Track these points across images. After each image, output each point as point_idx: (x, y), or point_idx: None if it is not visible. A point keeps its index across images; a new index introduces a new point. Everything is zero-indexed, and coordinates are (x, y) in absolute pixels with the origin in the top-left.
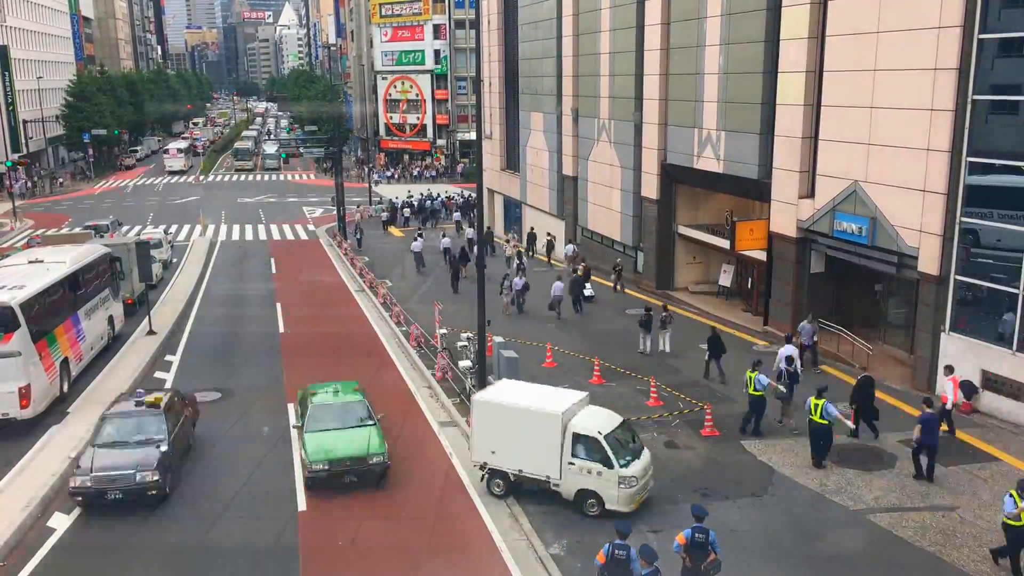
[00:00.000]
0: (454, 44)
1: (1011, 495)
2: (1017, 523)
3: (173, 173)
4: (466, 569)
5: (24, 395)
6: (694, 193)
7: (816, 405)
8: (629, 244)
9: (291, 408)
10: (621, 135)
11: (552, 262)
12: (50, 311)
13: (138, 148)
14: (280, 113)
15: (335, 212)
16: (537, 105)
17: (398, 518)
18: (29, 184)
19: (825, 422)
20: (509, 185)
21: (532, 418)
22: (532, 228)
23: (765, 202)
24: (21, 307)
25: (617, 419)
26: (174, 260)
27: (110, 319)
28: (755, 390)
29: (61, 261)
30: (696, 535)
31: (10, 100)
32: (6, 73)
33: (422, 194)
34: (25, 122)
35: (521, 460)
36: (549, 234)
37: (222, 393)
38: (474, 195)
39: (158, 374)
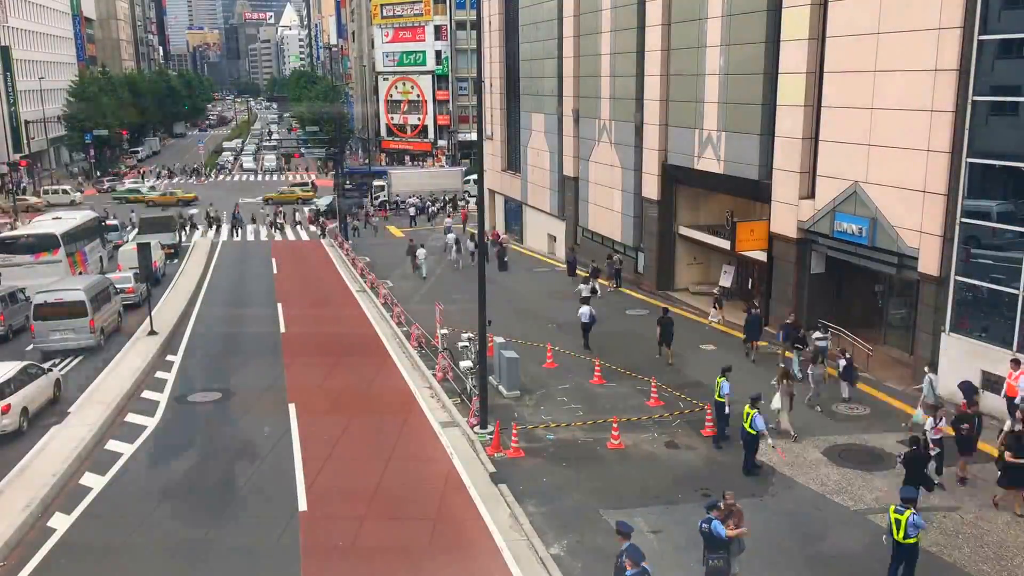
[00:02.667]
0: (455, 45)
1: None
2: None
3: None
4: (466, 569)
5: None
6: (695, 194)
7: (748, 414)
8: (630, 245)
9: (292, 408)
10: (622, 136)
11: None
12: (72, 242)
13: (139, 149)
14: (275, 117)
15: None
16: (538, 106)
17: (398, 518)
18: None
19: (753, 432)
20: (510, 186)
21: None
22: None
23: (765, 203)
24: (61, 235)
25: None
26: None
27: (100, 259)
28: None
29: (73, 217)
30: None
31: (12, 100)
32: (8, 73)
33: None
34: (27, 122)
35: None
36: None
37: (223, 393)
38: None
39: (159, 374)
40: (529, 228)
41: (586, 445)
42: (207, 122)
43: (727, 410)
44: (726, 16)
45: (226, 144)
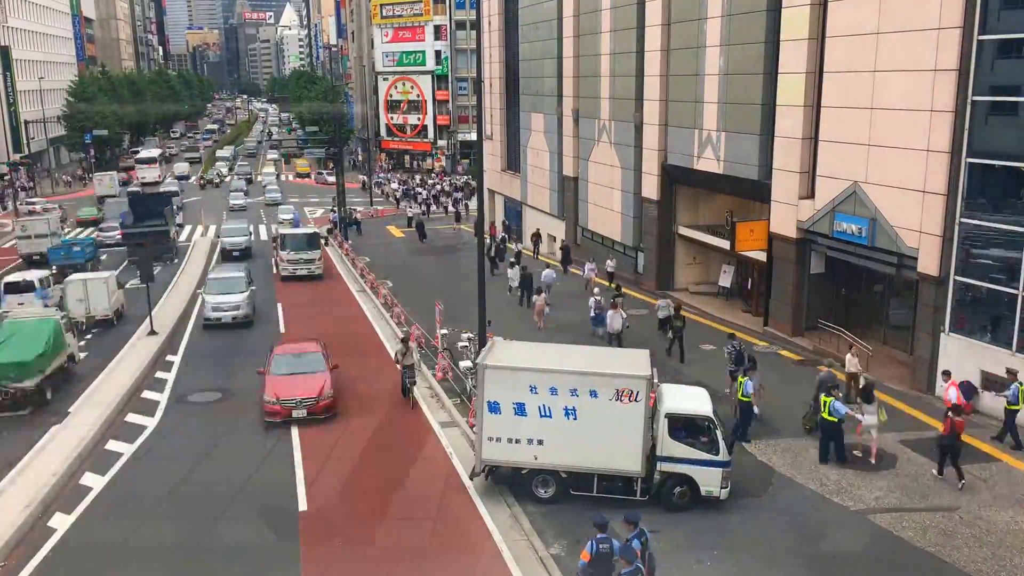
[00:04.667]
0: (455, 45)
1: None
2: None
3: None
4: (466, 569)
5: None
6: (694, 194)
7: (824, 403)
8: (629, 244)
9: None
10: (621, 136)
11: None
12: None
13: (139, 149)
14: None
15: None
16: (538, 106)
17: (398, 518)
18: (30, 183)
19: (834, 419)
20: (510, 186)
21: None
22: (537, 229)
23: (765, 203)
24: None
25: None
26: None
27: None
28: (744, 396)
29: None
30: (600, 546)
31: (12, 100)
32: (8, 73)
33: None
34: (27, 122)
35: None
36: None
37: (223, 393)
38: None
39: (159, 374)
40: (529, 228)
41: None
42: (207, 117)
43: (756, 411)
44: (726, 16)
45: (219, 153)
